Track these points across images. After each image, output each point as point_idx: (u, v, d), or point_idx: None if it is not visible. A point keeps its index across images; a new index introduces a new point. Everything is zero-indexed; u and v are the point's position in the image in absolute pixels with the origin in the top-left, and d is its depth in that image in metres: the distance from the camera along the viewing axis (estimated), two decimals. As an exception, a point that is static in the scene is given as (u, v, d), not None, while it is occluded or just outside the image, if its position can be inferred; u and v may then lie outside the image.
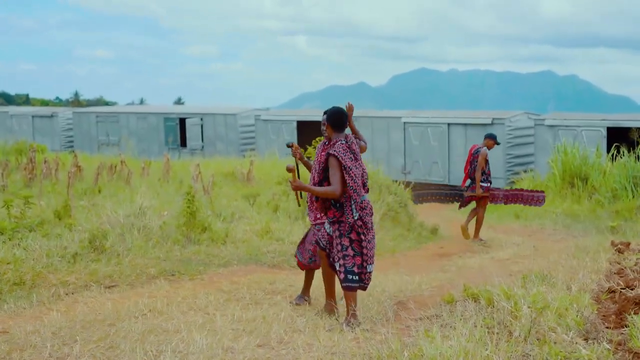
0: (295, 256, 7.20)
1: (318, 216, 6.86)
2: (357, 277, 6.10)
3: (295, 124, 28.95)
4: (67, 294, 7.05)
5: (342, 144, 6.22)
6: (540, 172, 21.90)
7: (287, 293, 7.29)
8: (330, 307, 6.41)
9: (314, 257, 6.93)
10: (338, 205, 6.15)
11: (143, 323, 5.78)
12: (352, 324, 5.94)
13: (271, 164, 23.65)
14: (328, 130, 6.35)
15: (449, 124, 24.64)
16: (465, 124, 24.31)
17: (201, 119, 31.18)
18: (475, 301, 6.12)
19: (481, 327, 5.18)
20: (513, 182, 22.23)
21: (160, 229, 10.13)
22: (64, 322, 5.81)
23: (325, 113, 6.72)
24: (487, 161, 12.09)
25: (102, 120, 33.56)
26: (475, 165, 12.34)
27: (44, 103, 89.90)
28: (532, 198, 12.40)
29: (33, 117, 36.66)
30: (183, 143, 31.72)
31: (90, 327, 5.68)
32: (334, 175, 6.09)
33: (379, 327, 5.82)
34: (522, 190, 12.82)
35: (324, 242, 6.32)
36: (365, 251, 6.14)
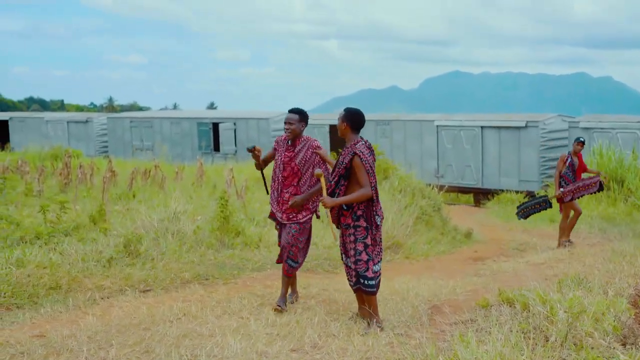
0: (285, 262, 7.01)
1: (291, 216, 6.94)
2: (372, 282, 6.09)
3: (327, 128, 28.98)
4: (102, 298, 7.10)
5: (363, 143, 6.20)
6: (575, 175, 21.69)
7: (320, 297, 7.28)
8: (364, 312, 6.38)
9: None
10: (352, 210, 6.11)
11: (178, 327, 5.80)
12: (374, 326, 5.95)
13: (304, 168, 23.71)
14: (346, 131, 6.25)
15: (482, 127, 24.48)
16: (498, 127, 24.14)
17: (234, 124, 31.32)
18: (510, 306, 6.05)
19: (517, 332, 5.12)
20: (547, 185, 22.02)
21: (194, 233, 10.19)
22: (99, 326, 5.86)
23: (290, 111, 6.97)
24: (565, 164, 11.75)
25: (136, 126, 33.85)
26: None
27: (79, 109, 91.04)
28: (591, 185, 12.13)
29: (68, 122, 37.09)
30: (216, 147, 31.89)
31: (126, 331, 5.72)
32: (363, 176, 6.05)
33: (414, 331, 5.78)
34: (581, 180, 12.39)
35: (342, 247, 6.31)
36: (375, 254, 6.17)
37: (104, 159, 25.93)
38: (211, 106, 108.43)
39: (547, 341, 4.94)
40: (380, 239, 6.28)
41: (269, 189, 7.24)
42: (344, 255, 6.31)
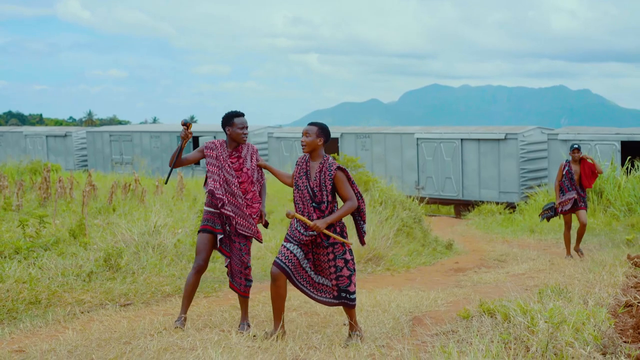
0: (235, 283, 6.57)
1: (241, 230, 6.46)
2: (353, 296, 6.05)
3: (308, 141, 29.02)
4: (82, 313, 7.06)
5: (334, 160, 6.23)
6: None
7: (302, 310, 7.28)
8: (279, 327, 6.06)
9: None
10: (330, 228, 6.02)
11: (158, 341, 5.76)
12: (358, 336, 5.98)
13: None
14: (319, 146, 6.13)
15: (462, 140, 24.62)
16: (478, 139, 24.28)
17: (214, 137, 31.28)
18: (491, 316, 6.08)
19: (498, 342, 5.14)
20: (527, 196, 22.16)
21: (174, 246, 10.15)
22: (79, 341, 5.81)
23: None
24: (563, 173, 11.65)
25: (116, 139, 33.74)
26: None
27: (58, 123, 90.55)
28: (565, 202, 11.93)
29: (47, 136, 36.90)
30: (197, 161, 31.83)
31: (106, 345, 5.68)
32: (348, 189, 6.04)
33: (395, 342, 5.79)
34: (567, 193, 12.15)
35: (289, 264, 6.03)
36: (354, 267, 6.14)
37: (84, 173, 25.83)
38: (192, 120, 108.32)
39: (528, 351, 4.97)
40: None
41: (168, 178, 6.98)
42: (313, 272, 6.14)
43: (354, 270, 6.11)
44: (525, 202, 21.72)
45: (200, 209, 11.18)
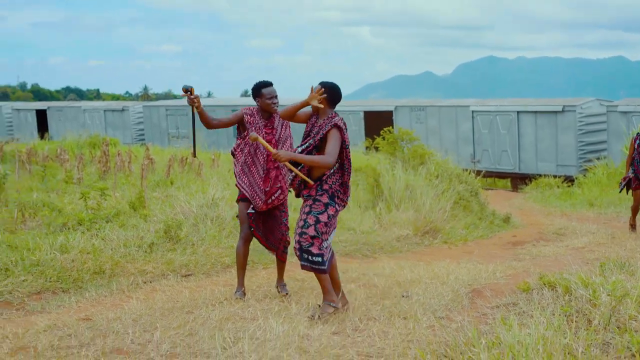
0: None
1: (270, 202, 6.69)
2: (318, 259, 5.76)
3: (362, 114, 28.93)
4: (145, 283, 7.20)
5: (340, 119, 5.96)
6: (613, 159, 21.43)
7: (360, 282, 7.30)
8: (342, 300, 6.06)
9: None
10: (320, 182, 5.87)
11: (220, 311, 5.86)
12: (328, 306, 5.81)
13: (339, 154, 23.71)
14: (324, 104, 5.97)
15: (518, 112, 24.29)
16: (535, 112, 23.93)
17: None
18: (552, 289, 6.02)
19: (559, 315, 5.09)
20: (586, 169, 21.80)
21: (232, 219, 10.25)
22: (143, 310, 5.94)
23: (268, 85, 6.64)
24: (633, 147, 10.95)
25: (172, 114, 34.09)
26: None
27: (115, 98, 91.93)
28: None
29: (105, 111, 37.47)
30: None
31: (169, 314, 5.79)
32: (334, 146, 5.74)
33: (455, 314, 5.78)
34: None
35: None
36: (328, 233, 5.87)
37: (141, 147, 26.18)
38: (245, 94, 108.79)
39: (590, 324, 4.92)
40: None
41: (196, 150, 7.09)
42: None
43: (322, 233, 5.79)
44: (584, 175, 21.36)
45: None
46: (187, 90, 6.23)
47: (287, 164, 5.81)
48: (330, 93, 5.97)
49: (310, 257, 5.75)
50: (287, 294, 6.65)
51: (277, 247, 6.82)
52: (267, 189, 6.64)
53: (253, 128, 6.62)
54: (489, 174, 24.77)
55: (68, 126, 36.59)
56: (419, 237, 10.70)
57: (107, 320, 5.59)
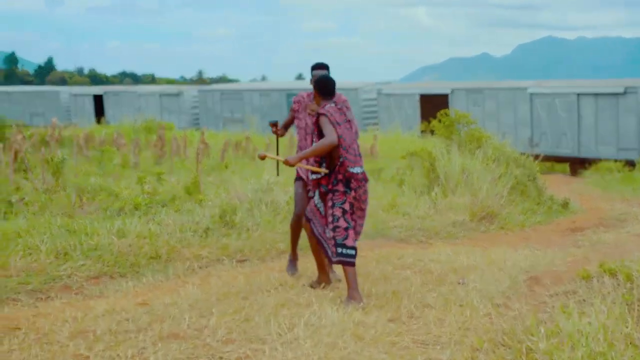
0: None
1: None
2: (351, 251, 5.82)
3: (417, 97, 28.70)
4: (200, 268, 7.24)
5: (332, 105, 6.01)
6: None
7: (415, 268, 7.23)
8: (322, 279, 6.30)
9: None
10: (332, 174, 5.89)
11: (275, 297, 5.86)
12: (353, 303, 5.66)
13: (394, 138, 23.58)
14: (318, 99, 6.12)
15: (578, 94, 23.79)
16: (595, 94, 23.41)
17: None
18: (613, 277, 5.87)
19: (620, 303, 4.98)
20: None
21: (287, 204, 10.25)
22: (199, 295, 5.97)
23: (317, 67, 6.74)
24: None
25: (227, 98, 34.28)
26: None
27: (169, 82, 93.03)
28: None
29: (160, 95, 37.85)
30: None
31: (225, 299, 5.81)
32: (327, 128, 5.84)
33: (513, 302, 5.69)
34: None
35: (310, 214, 6.06)
36: (355, 224, 5.96)
37: (196, 131, 26.40)
38: (299, 77, 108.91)
39: (653, 313, 4.79)
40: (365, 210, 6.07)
41: (279, 170, 7.44)
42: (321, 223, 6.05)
43: (352, 225, 5.89)
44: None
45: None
46: (274, 125, 7.05)
47: (301, 164, 5.99)
48: (317, 87, 6.12)
49: (344, 251, 5.81)
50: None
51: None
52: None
53: (301, 113, 6.87)
54: (548, 158, 24.33)
55: (124, 111, 37.07)
56: (476, 223, 10.56)
57: (163, 305, 5.64)
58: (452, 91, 27.31)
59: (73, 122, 36.45)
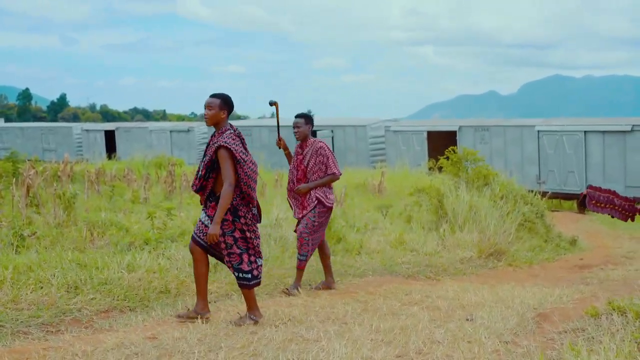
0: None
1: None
2: (248, 275, 6.18)
3: (425, 134, 28.81)
4: (209, 303, 7.26)
5: (232, 133, 6.10)
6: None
7: (424, 304, 7.25)
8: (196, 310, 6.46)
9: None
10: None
11: (284, 332, 5.89)
12: (250, 319, 6.21)
13: (402, 174, 23.63)
14: (222, 118, 6.20)
15: (585, 132, 23.86)
16: (603, 132, 23.47)
17: (332, 131, 31.52)
18: (621, 315, 5.87)
19: (630, 341, 4.98)
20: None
21: (295, 239, 10.29)
22: (208, 329, 6.00)
23: (296, 117, 8.11)
24: None
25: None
26: None
27: (180, 118, 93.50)
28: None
29: (171, 132, 38.11)
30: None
31: (233, 334, 5.84)
32: (226, 169, 5.99)
33: (521, 339, 5.69)
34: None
35: (202, 236, 6.27)
36: (251, 246, 6.22)
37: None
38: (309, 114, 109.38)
39: (662, 352, 4.79)
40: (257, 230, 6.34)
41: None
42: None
43: (247, 248, 6.21)
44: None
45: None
46: (273, 104, 7.99)
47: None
48: (229, 104, 6.29)
49: (240, 275, 6.21)
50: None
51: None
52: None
53: (294, 155, 8.13)
54: (555, 195, 24.34)
55: (135, 146, 37.31)
56: (483, 259, 10.59)
57: (172, 339, 5.67)
58: (460, 128, 27.43)
59: (85, 157, 36.69)
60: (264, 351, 5.29)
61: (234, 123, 29.24)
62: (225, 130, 6.15)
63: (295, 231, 8.16)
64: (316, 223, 7.87)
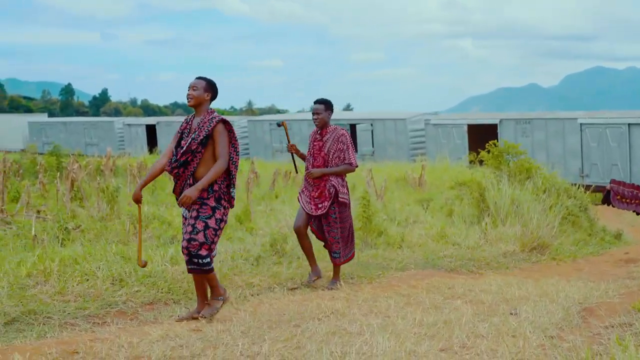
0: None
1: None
2: (207, 260, 6.02)
3: (465, 128, 28.61)
4: (252, 295, 7.30)
5: (218, 115, 6.09)
6: None
7: (467, 298, 7.21)
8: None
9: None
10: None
11: (326, 324, 5.90)
12: (218, 300, 6.22)
13: (442, 168, 23.49)
14: (206, 102, 6.16)
15: (629, 124, 23.48)
16: (647, 124, 23.09)
17: (371, 125, 31.44)
18: (669, 309, 5.79)
19: (678, 336, 4.90)
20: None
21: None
22: (251, 322, 6.03)
23: (316, 102, 7.71)
24: None
25: (275, 128, 34.57)
26: None
27: (220, 112, 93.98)
28: None
29: (211, 125, 38.31)
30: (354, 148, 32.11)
31: (277, 327, 5.86)
32: (224, 146, 5.98)
33: (566, 333, 5.63)
34: None
35: None
36: (216, 240, 6.09)
37: (246, 161, 26.65)
38: (347, 108, 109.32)
39: None
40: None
41: (297, 168, 8.29)
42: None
43: (212, 242, 6.02)
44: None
45: (359, 195, 11.30)
46: (279, 125, 7.93)
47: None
48: (214, 89, 6.25)
49: (199, 261, 5.99)
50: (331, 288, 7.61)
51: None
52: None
53: (309, 142, 7.85)
54: (598, 189, 24.00)
55: (176, 140, 37.47)
56: (526, 253, 10.49)
57: (216, 331, 5.71)
58: (501, 121, 27.17)
59: (127, 151, 37.08)
60: (307, 344, 5.30)
61: (273, 117, 29.17)
62: (212, 112, 6.11)
63: (312, 230, 7.93)
64: (339, 221, 7.72)
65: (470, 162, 22.08)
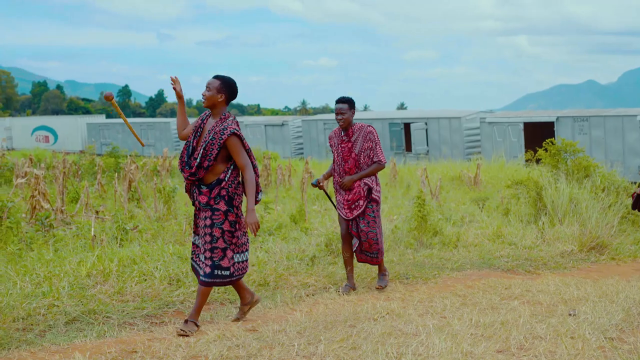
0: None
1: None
2: (226, 272, 5.74)
3: (521, 126, 28.27)
4: (307, 295, 7.32)
5: (233, 120, 5.84)
6: None
7: (524, 298, 7.12)
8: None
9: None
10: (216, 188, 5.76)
11: (382, 325, 5.89)
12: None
13: (498, 167, 23.26)
14: (221, 103, 5.86)
15: (691, 121, 22.94)
16: None
17: (425, 123, 31.28)
18: None
19: None
20: None
21: (391, 232, 10.28)
22: (307, 322, 6.05)
23: (339, 102, 7.24)
24: None
25: (330, 127, 34.62)
26: None
27: (274, 112, 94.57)
28: None
29: (265, 126, 38.59)
30: (408, 147, 31.97)
31: (332, 327, 5.87)
32: (243, 155, 5.76)
33: (627, 335, 5.53)
34: None
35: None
36: (235, 241, 5.78)
37: (300, 161, 26.76)
38: (401, 106, 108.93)
39: None
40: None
41: (335, 202, 7.70)
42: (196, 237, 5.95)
43: (230, 243, 5.76)
44: None
45: (414, 195, 11.26)
46: (317, 185, 7.58)
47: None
48: (230, 90, 5.93)
49: (220, 272, 5.76)
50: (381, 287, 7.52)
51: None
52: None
53: (333, 148, 7.48)
54: (659, 187, 23.51)
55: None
56: (585, 253, 10.31)
57: (272, 331, 5.74)
58: (558, 119, 26.79)
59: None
60: (362, 344, 5.31)
61: (328, 117, 29.19)
62: (227, 117, 5.87)
63: (354, 233, 7.51)
64: (377, 219, 7.42)
65: (527, 160, 21.82)
